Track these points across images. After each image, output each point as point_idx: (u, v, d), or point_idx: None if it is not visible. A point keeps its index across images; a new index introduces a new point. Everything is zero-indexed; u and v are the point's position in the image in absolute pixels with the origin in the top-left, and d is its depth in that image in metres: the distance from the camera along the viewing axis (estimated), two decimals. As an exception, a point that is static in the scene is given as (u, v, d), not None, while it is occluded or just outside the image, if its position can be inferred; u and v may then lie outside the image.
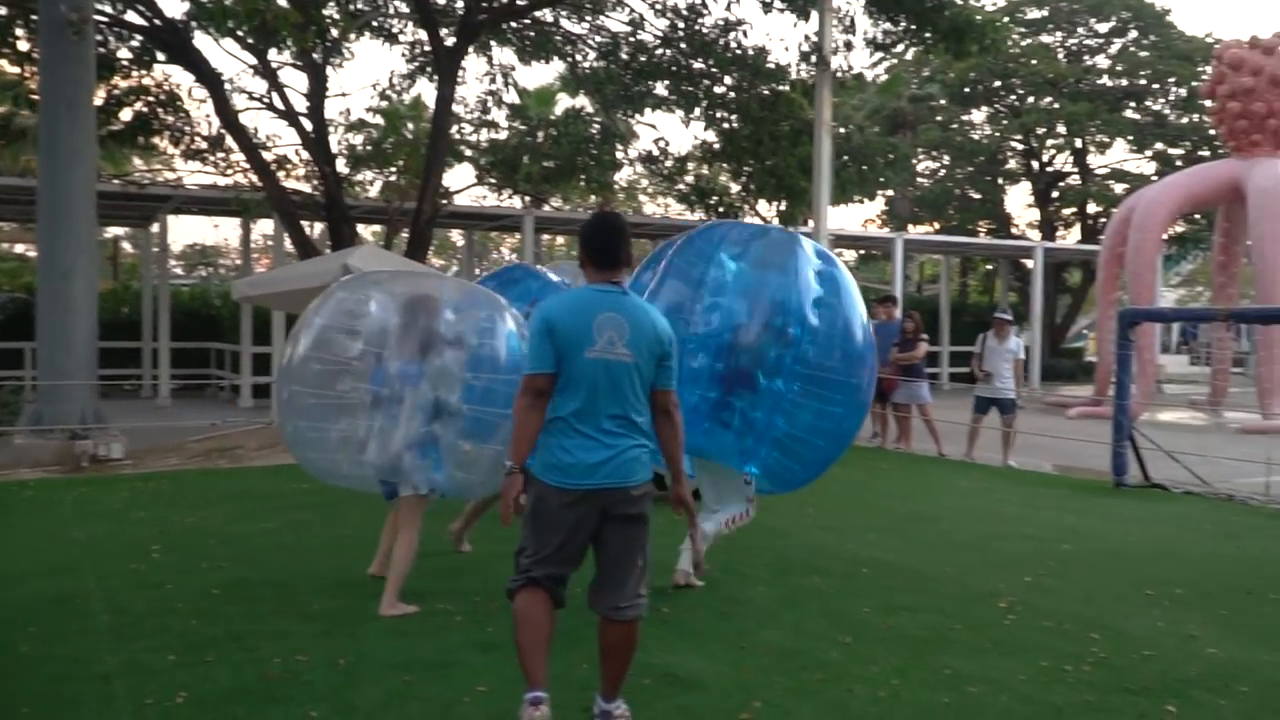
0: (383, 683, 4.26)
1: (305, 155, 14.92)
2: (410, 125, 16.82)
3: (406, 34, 16.47)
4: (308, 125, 14.28)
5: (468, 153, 17.35)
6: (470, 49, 15.15)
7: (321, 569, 6.15)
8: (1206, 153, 28.19)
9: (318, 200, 14.85)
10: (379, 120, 16.32)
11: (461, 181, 43.42)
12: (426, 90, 17.12)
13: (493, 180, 17.31)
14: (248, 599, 5.47)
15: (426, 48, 15.37)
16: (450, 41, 14.42)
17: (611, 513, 3.68)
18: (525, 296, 7.08)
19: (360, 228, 22.51)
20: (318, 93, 14.47)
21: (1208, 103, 19.60)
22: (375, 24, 16.01)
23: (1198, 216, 27.01)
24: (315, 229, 19.80)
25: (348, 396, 5.29)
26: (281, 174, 14.95)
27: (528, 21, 16.06)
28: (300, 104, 14.49)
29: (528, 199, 18.73)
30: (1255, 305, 16.54)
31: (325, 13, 12.94)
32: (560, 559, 3.70)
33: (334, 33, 13.82)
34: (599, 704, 3.77)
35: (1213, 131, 21.74)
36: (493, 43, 16.39)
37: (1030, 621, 5.29)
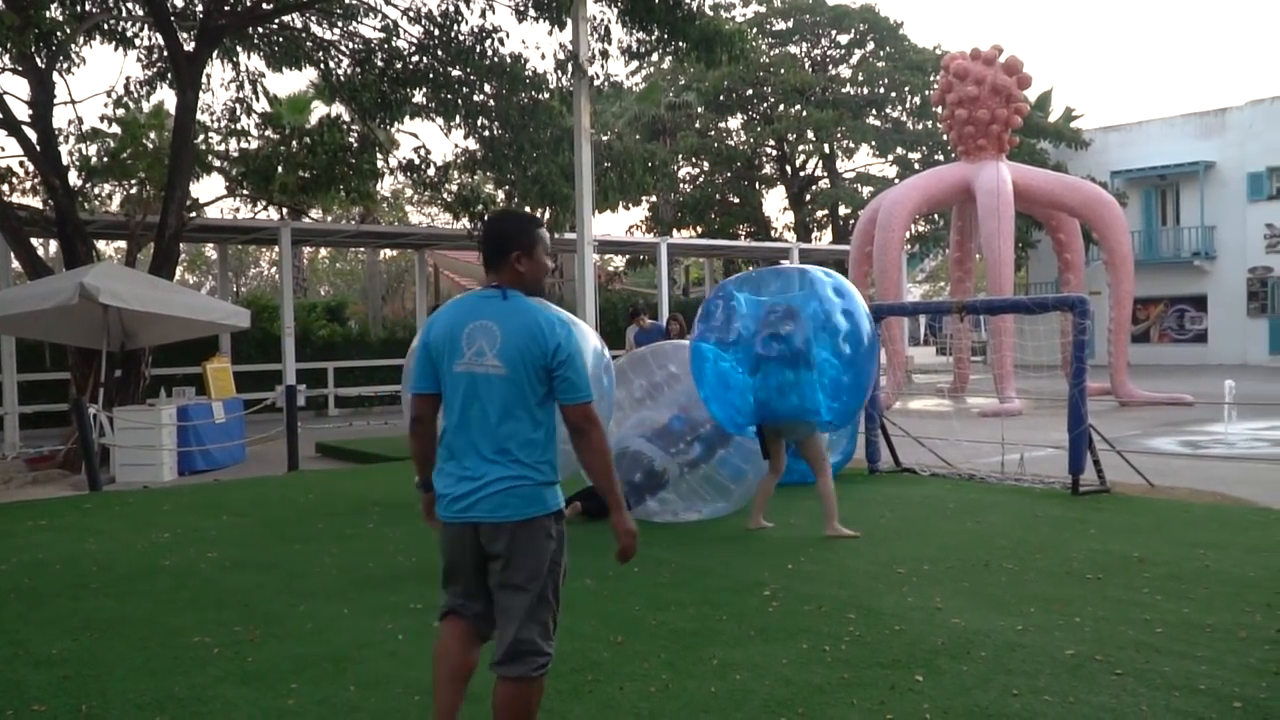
0: (130, 726, 4.00)
1: (31, 168, 13.83)
2: (152, 135, 15.86)
3: (143, 38, 15.54)
4: (32, 135, 13.23)
5: (217, 163, 16.51)
6: (213, 54, 14.45)
7: (62, 611, 5.71)
8: (941, 157, 30.27)
9: (47, 216, 13.82)
10: (116, 129, 15.31)
11: (211, 193, 41.48)
12: (168, 98, 16.19)
13: (245, 192, 16.53)
14: (-26, 650, 5.02)
15: (165, 53, 14.53)
16: (190, 46, 13.72)
17: (488, 551, 3.31)
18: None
19: (101, 244, 21.13)
20: (43, 100, 13.43)
21: (939, 110, 21.03)
22: (106, 26, 15.00)
23: (936, 216, 28.91)
24: (51, 246, 18.43)
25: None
26: (5, 188, 13.84)
27: (274, 26, 15.46)
28: (23, 112, 13.42)
29: (284, 210, 18.02)
30: (985, 297, 17.83)
31: (47, 14, 12.01)
32: (456, 589, 3.41)
33: (58, 35, 12.84)
34: None
35: (945, 137, 23.30)
36: (238, 48, 15.68)
37: (792, 607, 5.50)
